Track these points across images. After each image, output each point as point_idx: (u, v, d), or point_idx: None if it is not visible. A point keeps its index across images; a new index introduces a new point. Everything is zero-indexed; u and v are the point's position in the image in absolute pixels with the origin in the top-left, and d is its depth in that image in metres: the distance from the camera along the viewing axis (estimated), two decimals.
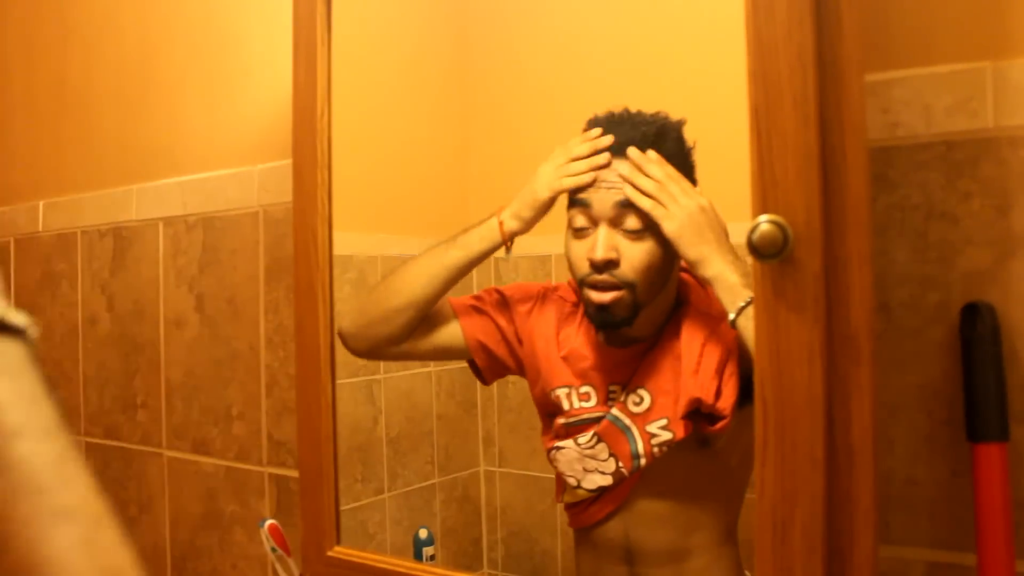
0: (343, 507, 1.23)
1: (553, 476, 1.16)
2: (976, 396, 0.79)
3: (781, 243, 0.74)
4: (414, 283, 1.13)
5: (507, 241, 1.09)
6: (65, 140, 1.79)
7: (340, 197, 1.20)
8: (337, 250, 1.22)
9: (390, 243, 1.38)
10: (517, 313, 1.16)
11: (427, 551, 1.32)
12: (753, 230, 0.75)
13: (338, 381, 1.22)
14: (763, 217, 0.75)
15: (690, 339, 1.01)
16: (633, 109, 1.05)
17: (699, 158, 1.03)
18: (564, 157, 1.05)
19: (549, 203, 1.07)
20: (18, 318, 0.40)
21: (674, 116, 1.03)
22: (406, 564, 1.13)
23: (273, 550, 1.27)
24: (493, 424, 1.37)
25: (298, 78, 1.19)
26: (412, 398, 1.39)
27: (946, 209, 0.83)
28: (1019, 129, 0.80)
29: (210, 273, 1.51)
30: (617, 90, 1.19)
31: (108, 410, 1.69)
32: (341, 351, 1.23)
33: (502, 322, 1.16)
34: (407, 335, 1.15)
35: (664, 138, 1.01)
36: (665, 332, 1.05)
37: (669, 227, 0.96)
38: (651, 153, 0.99)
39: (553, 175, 1.05)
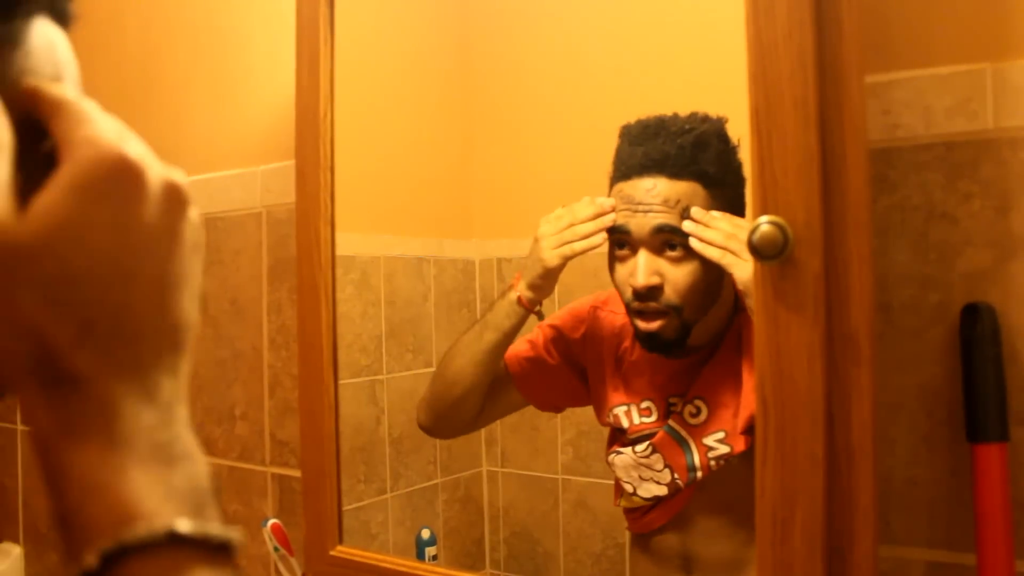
0: (346, 507, 1.23)
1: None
2: (976, 396, 0.79)
3: (781, 244, 0.74)
4: (465, 372, 1.16)
5: (532, 310, 1.10)
6: None
7: (343, 198, 1.21)
8: (340, 251, 1.22)
9: (393, 244, 1.38)
10: (574, 343, 1.16)
11: (429, 551, 1.32)
12: (753, 231, 0.75)
13: (341, 381, 1.22)
14: (763, 218, 0.75)
15: (751, 352, 0.98)
16: (668, 113, 1.01)
17: None
18: (568, 218, 1.04)
19: (560, 269, 1.07)
20: (233, 534, 0.38)
21: (714, 114, 1.00)
22: (408, 563, 1.13)
23: (276, 550, 1.27)
24: (495, 424, 1.37)
25: (301, 79, 1.19)
26: (414, 398, 1.39)
27: (946, 210, 0.83)
28: (1019, 130, 0.80)
29: (213, 273, 1.52)
30: (619, 91, 1.20)
31: None
32: (343, 351, 1.24)
33: (559, 364, 1.17)
34: (478, 412, 1.19)
35: (704, 147, 0.98)
36: (724, 341, 1.03)
37: (741, 275, 0.92)
38: (698, 212, 0.97)
39: (558, 240, 1.05)
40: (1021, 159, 0.80)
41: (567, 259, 1.05)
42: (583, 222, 1.03)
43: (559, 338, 1.16)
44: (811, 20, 0.74)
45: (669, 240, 0.98)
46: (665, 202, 0.98)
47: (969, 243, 0.83)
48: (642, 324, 1.01)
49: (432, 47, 1.46)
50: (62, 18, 0.43)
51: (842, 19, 0.74)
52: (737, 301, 1.04)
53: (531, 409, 1.24)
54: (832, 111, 0.75)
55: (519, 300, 1.09)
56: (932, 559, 0.84)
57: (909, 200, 0.85)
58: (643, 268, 0.99)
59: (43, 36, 0.42)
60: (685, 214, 0.97)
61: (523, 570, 1.34)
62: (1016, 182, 0.80)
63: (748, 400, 0.97)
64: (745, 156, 0.98)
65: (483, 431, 1.38)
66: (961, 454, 0.82)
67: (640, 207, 0.99)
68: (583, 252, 1.04)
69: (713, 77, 1.09)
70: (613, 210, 1.02)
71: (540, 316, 1.11)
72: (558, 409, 1.25)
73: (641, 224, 0.99)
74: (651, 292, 0.99)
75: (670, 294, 0.99)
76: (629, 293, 1.01)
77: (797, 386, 0.76)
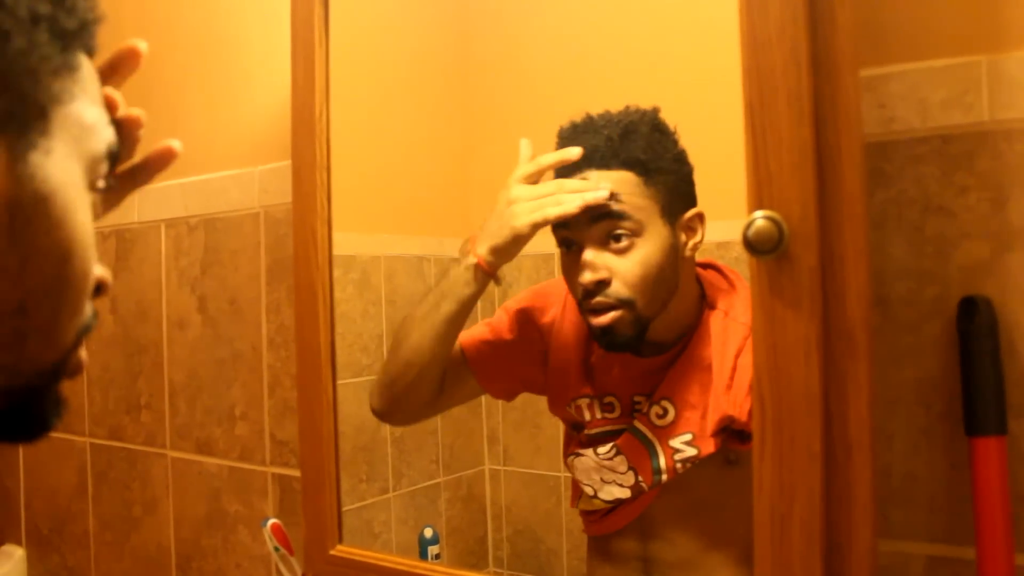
0: (348, 507, 1.23)
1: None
2: (974, 390, 0.79)
3: (776, 239, 0.74)
4: (422, 348, 1.08)
5: (493, 275, 1.03)
6: None
7: (343, 198, 1.21)
8: (340, 250, 1.22)
9: (393, 243, 1.38)
10: (541, 327, 1.12)
11: (432, 550, 1.32)
12: (748, 226, 0.75)
13: (342, 381, 1.22)
14: (758, 213, 0.75)
15: (721, 350, 0.98)
16: (597, 112, 1.00)
17: (694, 156, 1.01)
18: (553, 186, 0.98)
19: (530, 237, 1.00)
20: None
21: (646, 105, 0.99)
22: (407, 562, 1.13)
23: (276, 549, 1.27)
24: (497, 422, 1.37)
25: (297, 79, 1.19)
26: None
27: (943, 203, 0.83)
28: (1014, 122, 0.80)
29: (212, 274, 1.52)
30: (615, 88, 1.19)
31: (112, 411, 1.70)
32: (345, 351, 1.24)
33: (520, 347, 1.12)
34: (437, 393, 1.12)
35: (632, 135, 0.97)
36: (692, 340, 1.01)
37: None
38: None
39: (532, 205, 0.99)
40: (1017, 151, 0.80)
41: (539, 226, 0.99)
42: (564, 189, 0.97)
43: (524, 320, 1.12)
44: (804, 15, 0.74)
45: (611, 230, 0.96)
46: None
47: (966, 236, 0.82)
48: (594, 320, 0.98)
49: (429, 45, 1.46)
50: (90, 52, 0.51)
51: (835, 13, 0.74)
52: (704, 297, 1.02)
53: (533, 407, 1.24)
54: (827, 105, 0.75)
55: (479, 265, 1.02)
56: (932, 553, 0.84)
57: (905, 194, 0.85)
58: (588, 264, 0.96)
59: (86, 64, 0.50)
60: (617, 200, 0.95)
61: (526, 568, 1.34)
62: (1012, 174, 0.80)
63: (718, 402, 0.96)
64: (716, 154, 1.00)
65: (485, 429, 1.38)
66: (959, 448, 0.81)
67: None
68: (558, 218, 0.97)
69: (708, 74, 1.09)
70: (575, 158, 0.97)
71: (499, 282, 1.04)
72: (510, 396, 1.20)
73: (578, 217, 0.96)
74: (599, 287, 0.96)
75: (619, 287, 0.96)
76: (580, 292, 0.98)
77: (794, 381, 0.76)
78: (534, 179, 1.00)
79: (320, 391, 1.18)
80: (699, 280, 1.03)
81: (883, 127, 0.85)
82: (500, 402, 1.37)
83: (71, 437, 1.78)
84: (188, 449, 1.56)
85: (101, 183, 0.53)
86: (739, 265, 1.04)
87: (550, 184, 1.00)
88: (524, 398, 1.22)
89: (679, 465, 1.00)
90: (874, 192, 0.85)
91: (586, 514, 1.11)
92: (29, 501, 1.87)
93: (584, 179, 0.97)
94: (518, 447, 1.35)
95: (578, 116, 1.01)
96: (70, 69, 0.47)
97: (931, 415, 0.84)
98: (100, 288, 0.54)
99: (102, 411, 1.72)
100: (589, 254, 0.97)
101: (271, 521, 1.29)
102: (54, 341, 0.50)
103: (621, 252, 0.96)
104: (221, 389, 1.50)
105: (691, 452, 0.99)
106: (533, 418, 1.31)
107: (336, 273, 1.21)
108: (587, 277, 0.96)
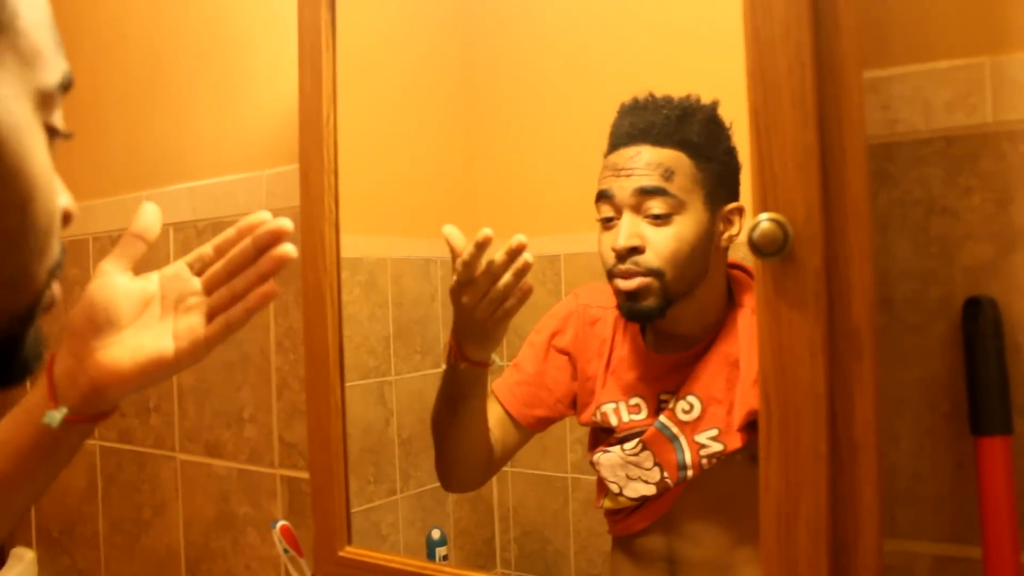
0: (356, 509, 1.23)
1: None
2: (979, 390, 0.79)
3: (781, 241, 0.75)
4: (461, 445, 1.13)
5: (489, 364, 1.06)
6: (74, 148, 1.78)
7: (350, 201, 1.21)
8: (347, 253, 1.22)
9: (400, 245, 1.39)
10: (564, 349, 1.14)
11: (440, 551, 1.32)
12: (753, 228, 0.75)
13: (349, 383, 1.22)
14: (763, 215, 0.75)
15: (748, 346, 0.98)
16: (660, 95, 1.03)
17: None
18: (485, 281, 1.00)
19: (462, 316, 1.03)
20: None
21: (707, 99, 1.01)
22: (416, 563, 1.13)
23: (285, 551, 1.27)
24: None
25: (304, 84, 1.20)
26: (423, 399, 1.39)
27: (947, 204, 0.84)
28: (1018, 124, 0.80)
29: None
30: (618, 91, 1.19)
31: (122, 414, 1.70)
32: (352, 353, 1.24)
33: (553, 378, 1.15)
34: (491, 458, 1.16)
35: (688, 120, 1.00)
36: (719, 335, 1.02)
37: None
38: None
39: (490, 306, 1.00)
40: (1020, 152, 0.80)
41: (454, 301, 1.02)
42: (503, 278, 0.98)
43: (549, 347, 1.15)
44: (808, 17, 0.75)
45: (653, 205, 0.98)
46: (647, 165, 0.99)
47: (970, 237, 0.83)
48: (621, 283, 1.00)
49: (435, 48, 1.46)
50: None
51: (839, 15, 0.75)
52: (731, 294, 1.03)
53: None
54: (831, 107, 0.75)
55: (480, 363, 1.05)
56: (938, 552, 0.84)
57: (909, 195, 0.85)
58: (624, 231, 0.99)
59: None
60: (667, 176, 0.98)
61: (534, 569, 1.34)
62: (1016, 175, 0.81)
63: (745, 396, 0.96)
64: (743, 149, 1.00)
65: None
66: (965, 447, 0.82)
67: (623, 172, 1.00)
68: (521, 305, 1.00)
69: (714, 76, 1.09)
70: (488, 240, 0.97)
71: (494, 363, 1.07)
72: (558, 418, 1.20)
73: (623, 186, 1.00)
74: (631, 253, 0.99)
75: (651, 256, 0.98)
76: (611, 258, 1.01)
77: (799, 382, 0.76)
78: (473, 265, 0.99)
79: (328, 393, 1.18)
80: (728, 277, 1.04)
81: (887, 129, 0.86)
82: None
83: None
84: (197, 452, 1.57)
85: (58, 119, 0.48)
86: None
87: (480, 281, 1.00)
88: None
89: (705, 461, 1.00)
90: (878, 193, 0.86)
91: (611, 513, 1.11)
92: (39, 503, 1.88)
93: (638, 153, 1.00)
94: (525, 448, 1.35)
95: (641, 94, 1.04)
96: None
97: (936, 415, 0.84)
98: (67, 219, 0.51)
99: None
100: (627, 220, 0.99)
101: (280, 523, 1.29)
102: (26, 287, 0.47)
103: (658, 224, 0.98)
104: (230, 392, 1.51)
105: (717, 447, 0.99)
106: None
107: (343, 275, 1.21)
108: (621, 242, 0.99)
